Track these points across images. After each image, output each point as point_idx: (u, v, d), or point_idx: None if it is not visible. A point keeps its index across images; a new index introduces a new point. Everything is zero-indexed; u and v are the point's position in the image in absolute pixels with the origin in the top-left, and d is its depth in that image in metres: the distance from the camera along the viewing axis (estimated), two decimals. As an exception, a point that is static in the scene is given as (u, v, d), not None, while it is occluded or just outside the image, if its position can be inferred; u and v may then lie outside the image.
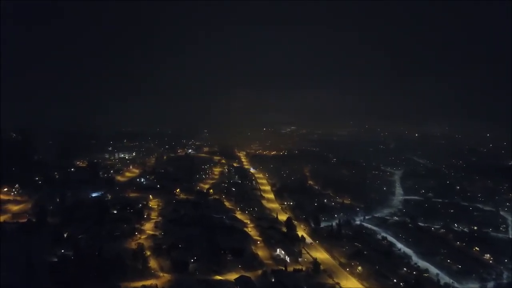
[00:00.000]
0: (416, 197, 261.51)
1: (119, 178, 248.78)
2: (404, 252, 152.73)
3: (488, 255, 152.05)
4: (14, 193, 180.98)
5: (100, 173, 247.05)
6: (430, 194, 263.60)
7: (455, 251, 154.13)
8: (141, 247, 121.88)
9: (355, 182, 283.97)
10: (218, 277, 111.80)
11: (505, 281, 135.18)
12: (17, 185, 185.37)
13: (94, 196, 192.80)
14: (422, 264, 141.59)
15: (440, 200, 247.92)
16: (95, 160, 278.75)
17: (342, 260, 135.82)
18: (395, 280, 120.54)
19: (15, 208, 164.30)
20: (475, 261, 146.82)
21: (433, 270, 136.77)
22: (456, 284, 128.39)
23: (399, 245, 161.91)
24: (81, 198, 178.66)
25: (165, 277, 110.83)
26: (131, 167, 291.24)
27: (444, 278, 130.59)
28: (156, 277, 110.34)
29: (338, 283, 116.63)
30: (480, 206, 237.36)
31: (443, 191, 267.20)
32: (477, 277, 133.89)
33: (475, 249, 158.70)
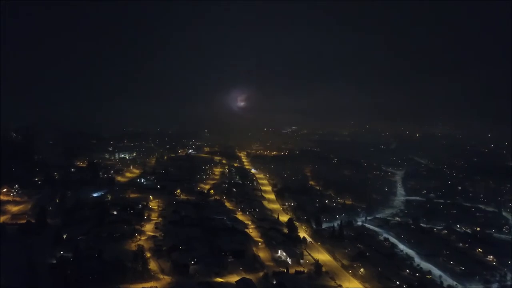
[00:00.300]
0: (418, 198, 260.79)
1: (119, 178, 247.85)
2: (406, 254, 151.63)
3: (492, 256, 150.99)
4: (13, 193, 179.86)
5: (101, 173, 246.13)
6: (432, 194, 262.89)
7: (458, 253, 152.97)
8: (141, 249, 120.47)
9: (356, 182, 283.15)
10: (219, 279, 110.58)
11: (509, 283, 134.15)
12: (16, 186, 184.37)
13: (94, 197, 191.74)
14: (425, 265, 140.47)
15: (442, 200, 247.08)
16: (96, 160, 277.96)
17: (344, 261, 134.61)
18: (398, 282, 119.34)
19: (14, 209, 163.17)
20: (479, 262, 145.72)
21: (436, 271, 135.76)
22: (459, 286, 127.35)
23: (401, 246, 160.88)
24: (81, 199, 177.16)
25: (166, 279, 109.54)
26: (131, 167, 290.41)
27: (447, 280, 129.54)
28: (156, 279, 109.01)
29: (340, 286, 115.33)
30: (482, 206, 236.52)
31: (445, 192, 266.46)
32: (481, 279, 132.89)
33: (478, 250, 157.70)
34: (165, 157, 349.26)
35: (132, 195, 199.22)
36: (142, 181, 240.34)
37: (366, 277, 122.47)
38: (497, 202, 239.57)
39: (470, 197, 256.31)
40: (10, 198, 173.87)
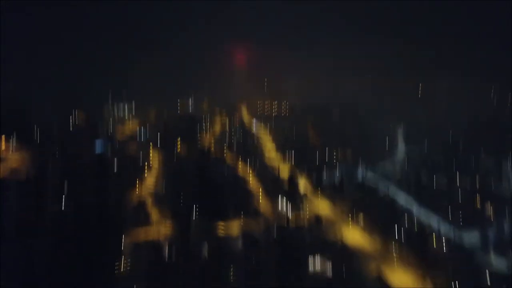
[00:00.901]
0: (418, 149, 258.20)
1: (119, 132, 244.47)
2: (407, 205, 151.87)
3: (491, 206, 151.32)
4: (12, 148, 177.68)
5: (101, 126, 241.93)
6: (432, 146, 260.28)
7: (458, 204, 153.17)
8: (143, 199, 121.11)
9: (357, 135, 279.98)
10: (221, 234, 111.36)
11: (507, 233, 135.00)
12: (15, 140, 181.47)
13: (94, 151, 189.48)
14: (425, 216, 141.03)
15: (443, 151, 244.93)
16: (95, 112, 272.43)
17: (345, 213, 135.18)
18: (398, 233, 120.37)
19: (13, 164, 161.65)
20: (477, 212, 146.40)
21: (436, 222, 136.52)
22: (458, 237, 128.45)
23: (402, 197, 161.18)
24: (81, 153, 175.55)
25: (167, 226, 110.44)
26: (131, 120, 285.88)
27: (446, 230, 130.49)
28: (158, 226, 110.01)
29: (341, 238, 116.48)
30: (483, 156, 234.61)
31: (446, 143, 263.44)
32: (479, 228, 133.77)
33: (479, 201, 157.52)
34: (165, 112, 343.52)
35: (132, 149, 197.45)
36: (142, 135, 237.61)
37: (366, 228, 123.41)
38: (499, 152, 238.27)
39: (472, 147, 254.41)
40: (8, 154, 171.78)
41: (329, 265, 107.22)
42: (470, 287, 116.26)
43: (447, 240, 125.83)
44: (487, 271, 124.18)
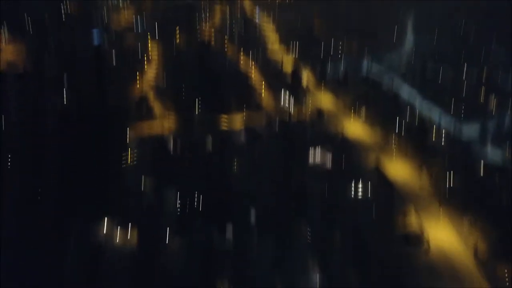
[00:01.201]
0: (427, 41, 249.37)
1: (115, 22, 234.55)
2: (410, 98, 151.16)
3: (495, 100, 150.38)
4: (4, 40, 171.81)
5: (95, 15, 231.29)
6: (442, 37, 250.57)
7: (461, 97, 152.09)
8: (144, 93, 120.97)
9: (364, 25, 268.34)
10: (223, 127, 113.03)
11: (507, 126, 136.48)
12: (6, 31, 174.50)
13: (91, 44, 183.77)
14: (427, 110, 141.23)
15: (452, 43, 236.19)
16: (87, 0, 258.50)
17: (347, 109, 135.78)
18: (399, 126, 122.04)
19: (9, 56, 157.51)
20: (481, 106, 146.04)
21: (437, 116, 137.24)
22: (458, 130, 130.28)
23: (406, 89, 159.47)
24: (76, 47, 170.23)
25: (171, 117, 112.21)
26: (127, 11, 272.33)
27: (447, 124, 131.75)
28: (162, 118, 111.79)
29: (342, 131, 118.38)
30: (494, 48, 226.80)
31: (457, 34, 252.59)
32: (480, 122, 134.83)
33: (483, 94, 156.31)
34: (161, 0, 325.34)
35: (130, 42, 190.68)
36: (140, 27, 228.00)
37: (368, 121, 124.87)
38: (510, 44, 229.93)
39: (483, 38, 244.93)
40: (1, 45, 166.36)
41: (329, 157, 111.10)
42: (463, 177, 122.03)
43: (447, 133, 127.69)
44: (482, 162, 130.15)
